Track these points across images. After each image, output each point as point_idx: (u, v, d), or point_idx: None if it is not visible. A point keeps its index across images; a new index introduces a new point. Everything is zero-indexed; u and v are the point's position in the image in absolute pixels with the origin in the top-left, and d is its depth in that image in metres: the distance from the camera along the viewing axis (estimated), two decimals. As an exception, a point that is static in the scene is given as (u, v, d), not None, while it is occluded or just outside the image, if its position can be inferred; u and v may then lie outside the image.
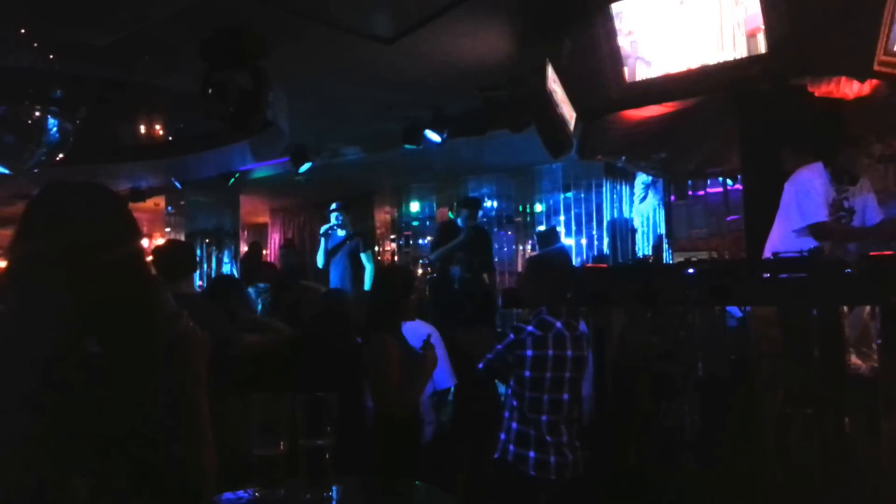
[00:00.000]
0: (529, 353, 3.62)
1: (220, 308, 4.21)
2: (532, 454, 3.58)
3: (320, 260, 8.82)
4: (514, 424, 3.65)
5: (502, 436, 3.70)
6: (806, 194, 4.66)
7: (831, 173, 4.69)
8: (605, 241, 9.69)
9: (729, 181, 8.33)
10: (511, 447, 3.63)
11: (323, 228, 8.88)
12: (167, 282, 4.08)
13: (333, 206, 8.89)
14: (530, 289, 4.03)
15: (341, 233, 8.71)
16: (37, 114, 6.65)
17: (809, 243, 4.41)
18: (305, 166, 9.26)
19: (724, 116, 5.95)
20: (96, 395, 1.47)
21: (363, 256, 8.72)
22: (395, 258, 12.59)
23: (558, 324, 3.68)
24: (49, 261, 1.56)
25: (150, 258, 4.67)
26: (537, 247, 8.69)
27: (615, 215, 9.45)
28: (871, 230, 4.69)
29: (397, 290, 3.97)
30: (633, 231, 9.12)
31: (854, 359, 4.24)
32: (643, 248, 8.89)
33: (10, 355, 1.49)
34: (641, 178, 8.83)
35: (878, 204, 4.78)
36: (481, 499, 3.72)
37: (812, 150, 5.02)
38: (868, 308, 4.16)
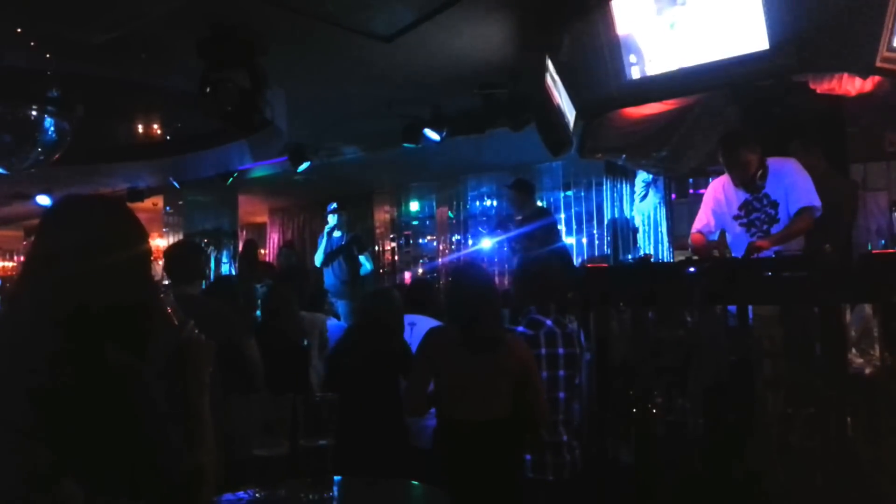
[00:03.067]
0: None
1: (231, 309, 4.20)
2: (528, 457, 3.56)
3: (318, 259, 8.82)
4: None
5: None
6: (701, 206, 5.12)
7: (732, 179, 4.85)
8: (606, 239, 9.67)
9: (729, 179, 8.33)
10: None
11: (327, 228, 8.90)
12: (175, 283, 4.08)
13: (331, 207, 8.88)
14: (519, 289, 4.01)
15: (337, 234, 8.70)
16: (33, 113, 6.64)
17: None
18: (304, 165, 9.25)
19: (725, 114, 5.93)
20: (96, 398, 1.46)
21: (362, 258, 8.72)
22: (395, 258, 12.58)
23: (548, 322, 3.67)
24: (60, 269, 1.59)
25: (160, 259, 4.69)
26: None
27: (616, 214, 9.42)
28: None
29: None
30: (634, 230, 9.10)
31: (856, 358, 4.22)
32: (644, 246, 8.88)
33: (14, 358, 1.49)
34: (642, 177, 8.81)
35: (807, 189, 4.67)
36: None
37: (819, 146, 5.03)
38: (870, 307, 4.15)
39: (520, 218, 7.15)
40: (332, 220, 8.78)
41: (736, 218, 4.86)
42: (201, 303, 4.03)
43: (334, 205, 8.89)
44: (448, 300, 3.80)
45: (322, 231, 9.09)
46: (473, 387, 3.22)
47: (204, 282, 4.76)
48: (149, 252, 1.73)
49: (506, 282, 10.11)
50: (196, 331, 1.80)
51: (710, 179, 8.69)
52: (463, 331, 3.30)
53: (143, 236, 1.72)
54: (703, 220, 5.05)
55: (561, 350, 3.66)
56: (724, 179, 4.94)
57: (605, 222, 9.65)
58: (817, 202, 4.63)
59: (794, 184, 4.68)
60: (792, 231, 4.63)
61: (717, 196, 5.00)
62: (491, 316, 3.34)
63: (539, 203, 9.13)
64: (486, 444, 3.18)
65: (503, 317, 4.40)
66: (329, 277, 8.66)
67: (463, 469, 3.15)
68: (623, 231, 9.28)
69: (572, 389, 3.72)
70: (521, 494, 3.36)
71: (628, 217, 9.21)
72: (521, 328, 3.66)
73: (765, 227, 4.73)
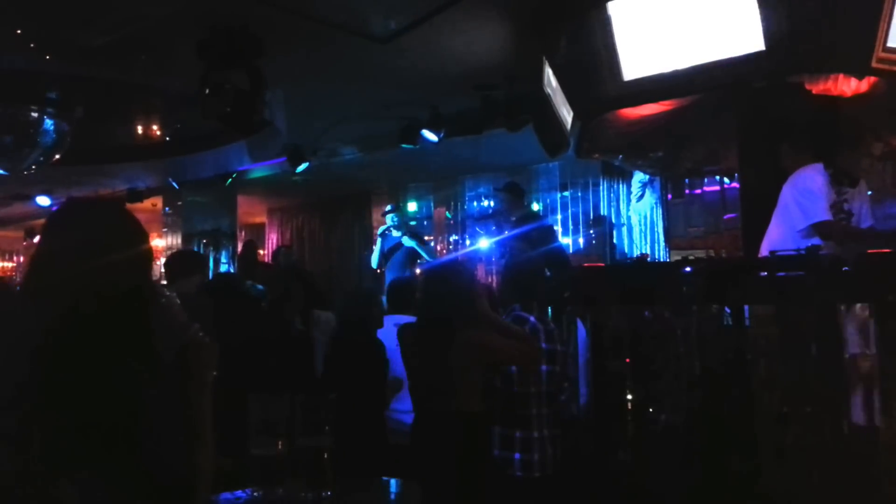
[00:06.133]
0: None
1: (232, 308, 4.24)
2: (518, 455, 3.59)
3: (374, 261, 9.02)
4: (497, 428, 3.64)
5: None
6: (809, 194, 4.69)
7: (831, 175, 4.70)
8: (606, 239, 9.67)
9: (726, 179, 8.34)
10: (496, 452, 3.62)
11: (380, 230, 9.03)
12: (172, 280, 4.10)
13: (388, 208, 9.12)
14: (504, 288, 4.10)
15: (396, 234, 8.81)
16: (33, 115, 6.66)
17: (811, 243, 4.42)
18: (303, 166, 9.27)
19: (721, 114, 5.94)
20: (96, 397, 1.47)
21: (423, 249, 8.83)
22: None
23: (532, 318, 3.75)
24: (62, 270, 1.62)
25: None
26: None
27: (614, 218, 9.42)
28: (871, 232, 4.72)
29: None
30: (631, 230, 9.12)
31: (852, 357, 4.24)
32: (640, 246, 8.89)
33: (15, 356, 1.50)
34: (638, 177, 8.82)
35: (870, 209, 4.81)
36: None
37: (811, 147, 5.03)
38: (866, 306, 4.16)
39: (513, 220, 7.22)
40: (389, 220, 8.91)
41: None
42: (198, 301, 4.05)
43: (390, 206, 9.02)
44: (418, 298, 3.93)
45: (375, 232, 9.37)
46: (437, 380, 3.32)
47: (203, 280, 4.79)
48: (149, 254, 1.74)
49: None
50: (200, 333, 1.81)
51: (706, 179, 8.79)
52: (427, 326, 3.42)
53: (144, 239, 1.74)
54: (825, 207, 4.69)
55: (545, 346, 3.73)
56: (818, 174, 4.75)
57: (605, 223, 9.61)
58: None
59: (868, 202, 4.82)
60: (872, 236, 4.70)
61: (827, 186, 4.75)
62: (453, 312, 3.42)
63: (532, 206, 9.20)
64: (454, 436, 3.25)
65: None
66: (391, 276, 8.69)
67: (433, 460, 3.22)
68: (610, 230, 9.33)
69: (556, 385, 3.80)
70: (482, 487, 3.41)
71: (626, 217, 9.22)
72: None
73: None
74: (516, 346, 3.46)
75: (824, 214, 4.63)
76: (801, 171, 4.79)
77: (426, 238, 11.88)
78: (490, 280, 10.29)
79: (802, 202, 4.68)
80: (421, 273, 7.58)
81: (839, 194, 4.73)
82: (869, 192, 4.97)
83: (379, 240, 9.03)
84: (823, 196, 4.66)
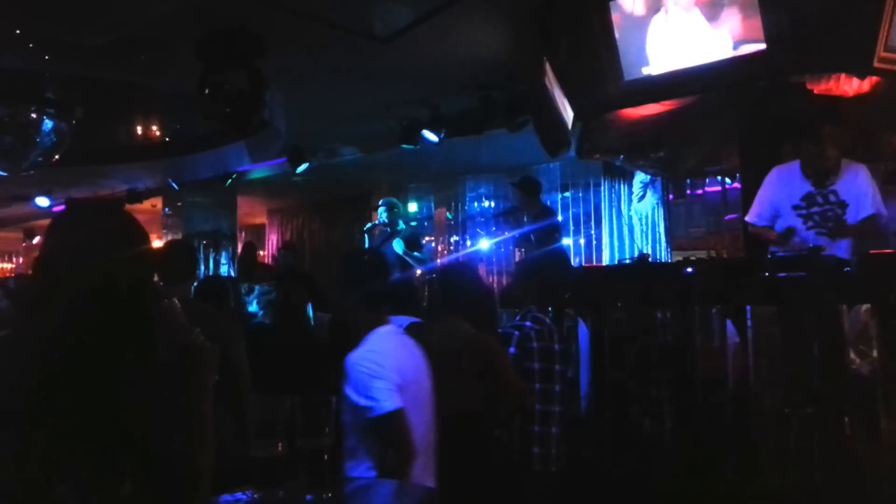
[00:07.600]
0: (535, 345, 3.70)
1: (221, 312, 4.21)
2: (536, 450, 3.63)
3: None
4: (515, 424, 3.67)
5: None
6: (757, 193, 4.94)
7: (802, 170, 4.77)
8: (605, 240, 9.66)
9: (727, 180, 8.34)
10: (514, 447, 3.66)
11: (367, 225, 8.58)
12: (164, 284, 4.07)
13: (381, 203, 8.30)
14: (517, 287, 4.12)
15: (386, 230, 8.11)
16: (33, 115, 6.66)
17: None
18: (303, 167, 9.25)
19: (723, 115, 5.94)
20: (99, 401, 1.47)
21: (411, 257, 7.92)
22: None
23: (547, 319, 3.80)
24: (66, 274, 1.62)
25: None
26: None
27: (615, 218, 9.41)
28: (783, 235, 4.81)
29: None
30: (632, 230, 9.11)
31: (853, 358, 4.23)
32: (641, 247, 8.88)
33: (19, 359, 1.50)
34: (640, 177, 8.81)
35: (875, 197, 4.75)
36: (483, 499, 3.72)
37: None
38: (868, 307, 4.15)
39: (527, 218, 7.16)
40: (380, 214, 8.13)
41: (795, 208, 4.84)
42: (188, 305, 4.02)
43: (383, 202, 8.23)
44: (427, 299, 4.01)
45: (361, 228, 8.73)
46: (445, 381, 3.32)
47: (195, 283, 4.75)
48: (151, 257, 1.74)
49: (503, 281, 10.13)
50: (201, 337, 1.82)
51: (708, 180, 8.78)
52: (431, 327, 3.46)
53: (146, 242, 1.74)
54: (757, 208, 4.98)
55: (557, 346, 3.76)
56: (787, 169, 4.90)
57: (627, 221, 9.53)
58: (884, 210, 4.73)
59: (866, 190, 4.76)
60: (861, 231, 4.70)
61: (779, 184, 4.92)
62: (469, 316, 3.44)
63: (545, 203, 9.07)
64: (453, 440, 3.25)
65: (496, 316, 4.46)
66: None
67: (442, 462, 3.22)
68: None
69: (565, 383, 3.83)
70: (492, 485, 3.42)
71: (626, 217, 9.22)
72: (528, 323, 3.77)
73: (830, 224, 4.74)
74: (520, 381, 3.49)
75: (750, 217, 4.98)
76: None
77: (426, 239, 11.78)
78: (492, 280, 10.29)
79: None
80: (432, 274, 7.30)
81: (819, 185, 4.75)
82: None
83: (365, 235, 8.45)
84: (766, 196, 4.92)
